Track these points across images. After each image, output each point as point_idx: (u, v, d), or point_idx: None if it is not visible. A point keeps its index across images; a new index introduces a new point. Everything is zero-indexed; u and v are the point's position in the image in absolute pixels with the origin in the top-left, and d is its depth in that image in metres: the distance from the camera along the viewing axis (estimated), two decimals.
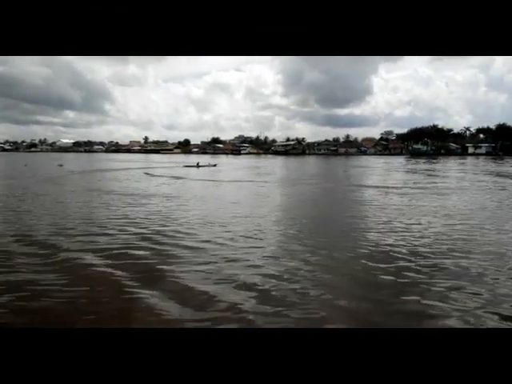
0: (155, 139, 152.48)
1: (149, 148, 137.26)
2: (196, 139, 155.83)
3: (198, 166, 38.44)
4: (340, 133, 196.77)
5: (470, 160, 63.79)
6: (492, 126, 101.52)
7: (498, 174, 27.21)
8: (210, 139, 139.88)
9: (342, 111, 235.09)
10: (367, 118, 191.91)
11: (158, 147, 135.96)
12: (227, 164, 47.80)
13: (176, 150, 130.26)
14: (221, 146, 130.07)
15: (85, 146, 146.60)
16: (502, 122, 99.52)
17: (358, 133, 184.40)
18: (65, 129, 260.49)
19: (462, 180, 22.90)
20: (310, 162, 59.85)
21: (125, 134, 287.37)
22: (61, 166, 38.35)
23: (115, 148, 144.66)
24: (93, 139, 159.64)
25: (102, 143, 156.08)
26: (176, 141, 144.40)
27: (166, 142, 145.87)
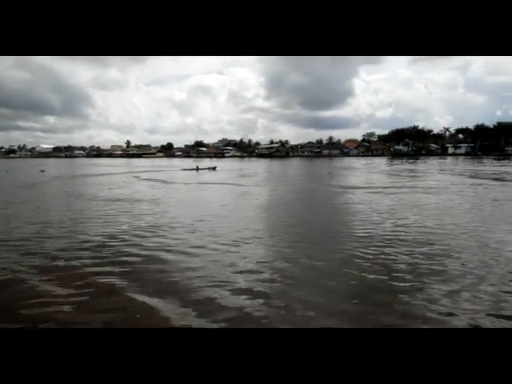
0: (137, 143, 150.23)
1: (131, 152, 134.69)
2: (179, 143, 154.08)
3: (197, 169, 38.46)
4: (323, 135, 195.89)
5: (450, 160, 64.75)
6: (471, 126, 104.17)
7: (477, 175, 27.26)
8: (193, 143, 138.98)
9: (325, 113, 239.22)
10: (350, 119, 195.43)
11: (141, 151, 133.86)
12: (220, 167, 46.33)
13: (159, 154, 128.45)
14: (204, 149, 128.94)
15: (65, 152, 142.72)
16: (480, 123, 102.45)
17: (341, 134, 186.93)
18: (45, 134, 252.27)
19: (443, 180, 23.21)
20: (295, 165, 59.92)
21: (106, 138, 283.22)
22: (43, 171, 36.85)
23: (96, 153, 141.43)
24: (73, 144, 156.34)
25: (82, 148, 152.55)
26: (159, 145, 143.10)
27: (149, 146, 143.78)
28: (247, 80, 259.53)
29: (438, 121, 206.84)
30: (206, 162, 64.32)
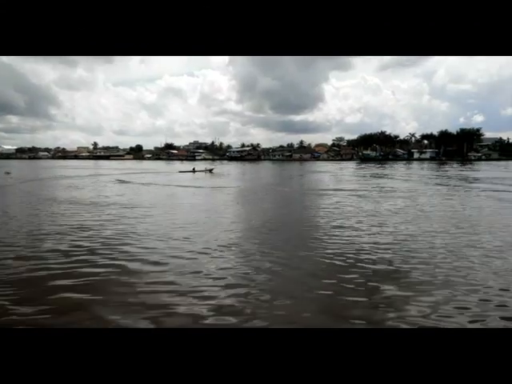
0: (105, 145, 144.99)
1: (98, 154, 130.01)
2: (149, 145, 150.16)
3: (193, 171, 39.44)
4: (295, 139, 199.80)
5: (415, 165, 66.68)
6: (435, 132, 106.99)
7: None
8: (163, 145, 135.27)
9: (296, 117, 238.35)
10: (320, 124, 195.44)
11: (108, 153, 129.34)
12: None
13: (127, 156, 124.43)
14: (175, 151, 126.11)
15: (29, 153, 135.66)
16: (444, 129, 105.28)
17: (312, 139, 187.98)
18: (7, 134, 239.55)
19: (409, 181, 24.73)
20: (267, 167, 60.59)
21: (72, 139, 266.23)
22: (8, 173, 33.96)
23: (62, 154, 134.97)
24: (38, 145, 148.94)
25: (47, 149, 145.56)
26: (127, 147, 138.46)
27: (117, 147, 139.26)
28: (219, 83, 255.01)
29: (405, 127, 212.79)
30: (178, 165, 64.77)
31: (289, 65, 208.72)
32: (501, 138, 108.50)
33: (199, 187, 22.49)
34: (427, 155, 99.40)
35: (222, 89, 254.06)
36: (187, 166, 51.54)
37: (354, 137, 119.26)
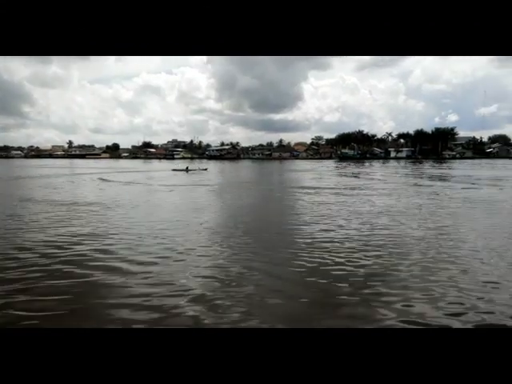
0: (80, 144, 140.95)
1: (73, 153, 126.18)
2: (126, 143, 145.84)
3: (187, 170, 39.66)
4: (274, 137, 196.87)
5: (392, 163, 67.54)
6: (411, 131, 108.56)
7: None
8: (141, 143, 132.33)
9: (276, 116, 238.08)
10: (299, 123, 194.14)
11: (84, 152, 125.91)
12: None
13: (104, 155, 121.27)
14: (153, 150, 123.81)
15: (0, 152, 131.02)
16: (419, 128, 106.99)
17: (291, 137, 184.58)
18: None
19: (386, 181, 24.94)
20: (246, 166, 60.89)
21: (46, 138, 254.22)
22: None
23: (35, 153, 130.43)
24: (10, 144, 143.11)
25: (20, 148, 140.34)
26: (104, 145, 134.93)
27: (93, 146, 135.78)
28: (197, 81, 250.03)
29: (382, 126, 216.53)
30: (157, 164, 65.93)
31: (268, 64, 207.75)
32: (474, 137, 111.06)
33: (178, 185, 22.26)
34: (403, 154, 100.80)
35: (200, 87, 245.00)
36: (181, 164, 51.32)
37: (333, 136, 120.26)
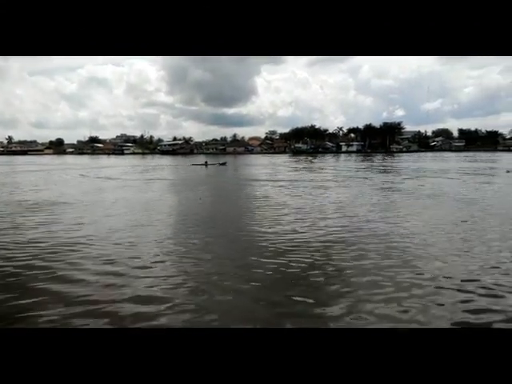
0: (21, 139, 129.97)
1: (13, 149, 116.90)
2: (71, 138, 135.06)
3: (206, 164, 40.51)
4: (228, 132, 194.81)
5: (343, 157, 69.31)
6: (361, 126, 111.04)
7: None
8: (87, 138, 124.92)
9: (229, 110, 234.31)
10: (254, 117, 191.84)
11: (25, 148, 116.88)
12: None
13: (47, 151, 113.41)
14: (100, 145, 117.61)
15: None
16: (369, 123, 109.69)
17: (246, 132, 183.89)
18: None
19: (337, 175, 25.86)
20: (201, 161, 60.38)
21: None
22: None
23: None
24: None
25: None
26: (47, 140, 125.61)
27: (35, 141, 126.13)
28: (147, 73, 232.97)
29: (333, 120, 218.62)
30: (105, 160, 63.77)
31: (220, 57, 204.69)
32: (419, 131, 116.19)
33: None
34: (354, 148, 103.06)
35: (150, 79, 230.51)
36: (200, 159, 51.37)
37: (287, 130, 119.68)
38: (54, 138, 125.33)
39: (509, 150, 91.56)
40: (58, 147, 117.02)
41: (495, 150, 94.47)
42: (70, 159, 69.84)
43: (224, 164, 41.90)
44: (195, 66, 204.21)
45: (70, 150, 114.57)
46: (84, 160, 64.89)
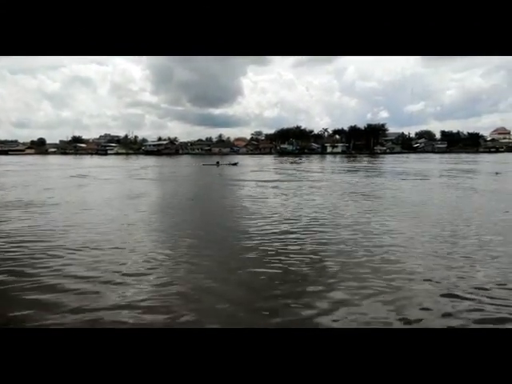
0: (2, 138, 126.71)
1: None
2: (53, 138, 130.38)
3: (217, 164, 41.28)
4: (213, 133, 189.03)
5: (329, 158, 69.94)
6: (346, 127, 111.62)
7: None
8: (70, 138, 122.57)
9: (216, 111, 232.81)
10: (239, 118, 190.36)
11: (6, 147, 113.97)
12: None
13: (29, 151, 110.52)
14: (83, 145, 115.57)
15: None
16: (353, 124, 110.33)
17: (232, 133, 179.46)
18: None
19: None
20: (186, 161, 59.87)
21: None
22: None
23: None
24: None
25: None
26: (29, 140, 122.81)
27: (16, 141, 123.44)
28: (131, 72, 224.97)
29: (319, 122, 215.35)
30: (88, 160, 62.59)
31: (206, 57, 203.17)
32: (403, 133, 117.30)
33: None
34: (339, 149, 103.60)
35: (135, 79, 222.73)
36: (210, 160, 50.96)
37: (272, 131, 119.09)
38: (35, 138, 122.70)
39: (489, 152, 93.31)
40: (39, 147, 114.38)
41: (477, 151, 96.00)
42: (51, 159, 68.48)
43: (235, 164, 42.54)
44: (181, 66, 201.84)
45: (53, 149, 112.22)
46: (65, 160, 63.82)
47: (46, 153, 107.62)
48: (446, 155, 77.35)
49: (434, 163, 45.23)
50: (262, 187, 17.88)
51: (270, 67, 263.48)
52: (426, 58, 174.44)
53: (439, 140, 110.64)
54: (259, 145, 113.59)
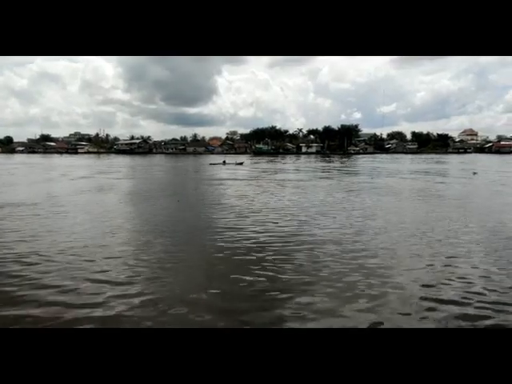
0: None
1: None
2: (21, 136, 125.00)
3: (224, 163, 42.14)
4: (188, 132, 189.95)
5: (303, 158, 69.61)
6: (320, 127, 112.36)
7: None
8: (38, 136, 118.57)
9: (190, 110, 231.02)
10: (214, 117, 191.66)
11: None
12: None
13: None
14: (53, 144, 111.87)
15: None
16: (327, 125, 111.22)
17: (207, 132, 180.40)
18: None
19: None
20: (159, 161, 58.45)
21: None
22: None
23: None
24: None
25: None
26: None
27: None
28: (103, 69, 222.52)
29: (294, 122, 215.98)
30: (57, 159, 59.88)
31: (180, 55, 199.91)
32: (375, 134, 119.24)
33: None
34: (313, 149, 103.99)
35: (106, 76, 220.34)
36: (217, 159, 50.56)
37: (247, 131, 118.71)
38: (2, 136, 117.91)
39: (458, 153, 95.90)
40: (6, 146, 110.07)
41: (446, 152, 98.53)
42: (18, 158, 65.80)
43: (241, 164, 43.15)
44: (154, 64, 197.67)
45: (20, 148, 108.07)
46: (33, 159, 61.14)
47: (12, 152, 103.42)
48: (417, 156, 78.77)
49: (414, 164, 45.90)
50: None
51: (244, 67, 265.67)
52: (398, 60, 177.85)
53: (410, 141, 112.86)
54: (234, 144, 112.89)
